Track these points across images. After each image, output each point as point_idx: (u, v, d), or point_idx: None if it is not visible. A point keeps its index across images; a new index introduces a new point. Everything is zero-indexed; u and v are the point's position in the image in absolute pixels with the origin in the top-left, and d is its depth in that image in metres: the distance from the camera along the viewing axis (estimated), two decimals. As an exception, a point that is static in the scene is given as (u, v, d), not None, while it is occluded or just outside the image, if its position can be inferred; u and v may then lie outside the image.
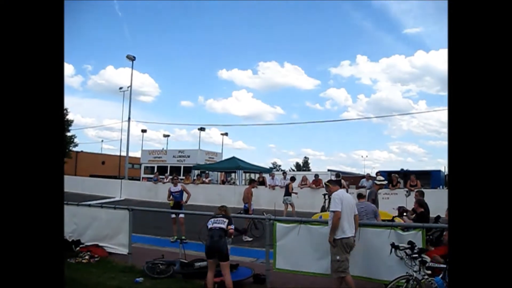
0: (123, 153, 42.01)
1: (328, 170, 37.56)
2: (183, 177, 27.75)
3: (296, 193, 18.43)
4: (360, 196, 9.55)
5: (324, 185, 7.26)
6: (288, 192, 18.14)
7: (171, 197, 13.44)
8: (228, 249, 7.15)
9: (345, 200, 6.94)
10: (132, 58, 37.61)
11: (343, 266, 6.71)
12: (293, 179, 19.56)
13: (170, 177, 27.59)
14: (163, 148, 45.95)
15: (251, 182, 16.45)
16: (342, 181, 17.51)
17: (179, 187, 13.61)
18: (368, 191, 12.29)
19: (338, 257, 6.72)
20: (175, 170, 34.05)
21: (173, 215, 12.83)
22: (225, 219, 7.30)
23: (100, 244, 10.11)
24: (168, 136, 61.59)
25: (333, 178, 19.82)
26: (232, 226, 7.33)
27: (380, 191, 12.34)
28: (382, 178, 12.23)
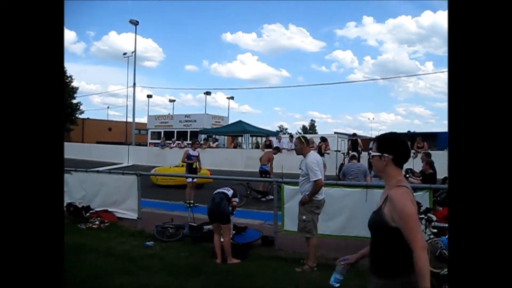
0: (129, 119, 42.12)
1: (335, 133, 37.55)
2: (202, 142, 27.65)
3: (328, 153, 19.18)
4: (353, 157, 10.75)
5: (296, 142, 7.08)
6: (321, 154, 17.88)
7: (190, 160, 13.33)
8: (229, 211, 7.22)
9: (320, 163, 6.93)
10: (135, 23, 37.17)
11: (308, 226, 6.73)
12: (324, 139, 20.34)
13: (182, 142, 27.77)
14: (169, 113, 45.99)
15: (276, 149, 16.62)
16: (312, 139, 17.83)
17: (196, 152, 13.59)
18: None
19: (304, 217, 6.73)
20: (182, 135, 34.14)
21: (190, 179, 12.89)
22: (230, 189, 7.40)
23: (110, 209, 10.24)
24: (174, 101, 61.76)
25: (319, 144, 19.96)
26: (237, 199, 7.41)
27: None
28: None
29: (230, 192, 7.35)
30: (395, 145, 2.94)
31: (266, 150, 17.26)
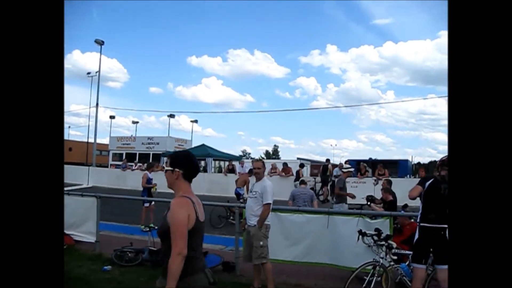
0: (91, 140, 41.45)
1: (298, 158, 37.83)
2: (163, 165, 27.30)
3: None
4: (302, 182, 11.23)
5: (260, 165, 7.13)
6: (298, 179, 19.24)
7: (149, 183, 13.31)
8: None
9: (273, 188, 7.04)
10: (100, 43, 36.90)
11: (265, 252, 6.75)
12: (302, 165, 22.11)
13: (143, 164, 27.44)
14: (132, 135, 45.44)
15: (250, 171, 16.67)
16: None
17: (151, 175, 13.48)
18: (336, 179, 12.53)
19: (261, 243, 6.75)
20: (144, 157, 33.76)
21: (147, 204, 12.68)
22: None
23: (67, 232, 9.93)
24: (137, 122, 60.95)
25: (298, 168, 20.62)
26: None
27: (348, 179, 12.51)
28: (348, 165, 12.46)
29: None
30: (186, 162, 3.33)
31: (242, 173, 17.47)
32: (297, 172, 21.52)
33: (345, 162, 20.86)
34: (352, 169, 11.86)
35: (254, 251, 6.81)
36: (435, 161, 54.52)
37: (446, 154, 5.80)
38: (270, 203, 6.83)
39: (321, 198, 20.83)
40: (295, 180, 20.04)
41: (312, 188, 20.08)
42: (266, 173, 19.43)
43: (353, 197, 10.90)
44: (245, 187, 15.55)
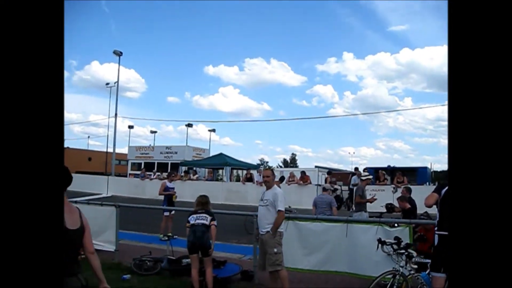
0: (110, 149, 41.79)
1: (316, 167, 37.75)
2: (182, 174, 27.59)
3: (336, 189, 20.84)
4: (323, 189, 11.59)
5: (269, 173, 7.23)
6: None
7: (168, 191, 13.29)
8: (211, 244, 7.12)
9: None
10: (119, 54, 37.34)
11: (280, 259, 6.74)
12: (329, 173, 23.27)
13: (162, 173, 27.70)
14: (150, 145, 45.77)
15: (281, 179, 16.98)
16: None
17: (173, 184, 13.52)
18: (354, 187, 12.49)
19: (275, 250, 6.73)
20: (162, 167, 33.95)
21: (167, 213, 12.66)
22: (207, 215, 7.24)
23: (87, 241, 10.02)
24: (155, 132, 61.42)
25: (326, 176, 20.84)
26: (215, 222, 7.21)
27: (367, 187, 12.41)
28: (367, 173, 12.40)
29: (208, 220, 7.21)
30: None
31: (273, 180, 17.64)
32: (325, 179, 22.07)
33: (364, 170, 20.87)
34: (370, 177, 11.80)
35: (268, 258, 6.80)
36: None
37: None
38: (283, 210, 6.86)
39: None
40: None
41: (337, 196, 20.26)
42: (284, 182, 19.57)
43: (373, 201, 10.84)
44: None
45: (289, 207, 15.40)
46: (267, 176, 7.24)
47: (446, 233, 5.37)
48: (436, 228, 5.57)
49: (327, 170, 33.13)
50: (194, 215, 7.23)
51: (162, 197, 13.81)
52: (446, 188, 5.52)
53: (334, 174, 25.22)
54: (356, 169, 23.85)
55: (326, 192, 11.30)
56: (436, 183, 22.33)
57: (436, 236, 5.51)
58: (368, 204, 10.70)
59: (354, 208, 11.24)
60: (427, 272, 6.07)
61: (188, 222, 7.24)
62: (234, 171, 35.18)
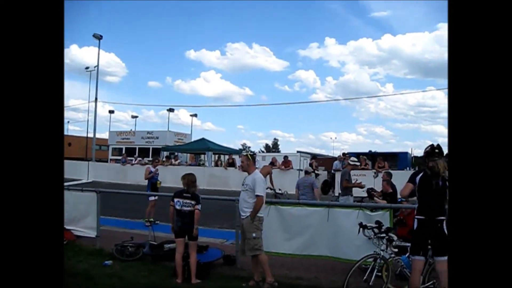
0: (90, 135, 41.46)
1: (298, 152, 37.79)
2: (164, 159, 27.50)
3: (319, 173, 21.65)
4: (306, 172, 12.11)
5: (243, 159, 7.27)
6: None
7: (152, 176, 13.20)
8: (194, 228, 7.12)
9: (264, 183, 7.18)
10: (99, 37, 36.70)
11: (258, 244, 6.79)
12: (314, 157, 24.78)
13: (143, 159, 27.57)
14: (131, 130, 45.35)
15: (272, 163, 17.33)
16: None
17: (156, 169, 13.43)
18: (341, 171, 12.62)
19: (254, 235, 6.78)
20: (144, 152, 33.79)
21: (152, 198, 12.55)
22: (192, 201, 7.21)
23: (68, 227, 9.90)
24: (136, 117, 60.97)
25: (310, 161, 21.15)
26: (199, 207, 7.18)
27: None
28: (355, 159, 12.54)
29: (193, 206, 7.21)
30: None
31: (264, 165, 17.73)
32: (310, 164, 22.76)
33: (343, 155, 21.15)
34: (358, 163, 11.94)
35: (247, 243, 6.88)
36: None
37: (430, 144, 5.83)
38: (262, 195, 6.88)
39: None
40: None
41: (326, 180, 20.61)
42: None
43: (362, 186, 10.99)
44: (267, 177, 15.87)
45: (280, 190, 16.05)
46: (242, 161, 7.33)
47: (425, 217, 5.45)
48: (415, 213, 5.64)
49: (309, 155, 33.30)
50: (180, 200, 7.19)
51: (144, 183, 13.73)
52: (420, 175, 5.60)
53: (316, 159, 25.34)
54: (344, 154, 24.04)
55: (308, 174, 11.73)
56: (417, 168, 22.62)
57: (416, 221, 5.58)
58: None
59: (340, 192, 11.35)
60: (407, 255, 6.16)
61: (173, 201, 7.22)
62: (216, 156, 35.17)
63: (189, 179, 7.40)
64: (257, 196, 6.82)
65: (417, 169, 13.85)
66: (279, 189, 16.34)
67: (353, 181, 11.13)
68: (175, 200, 7.22)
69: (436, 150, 5.64)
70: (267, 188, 15.43)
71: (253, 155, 7.66)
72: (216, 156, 33.02)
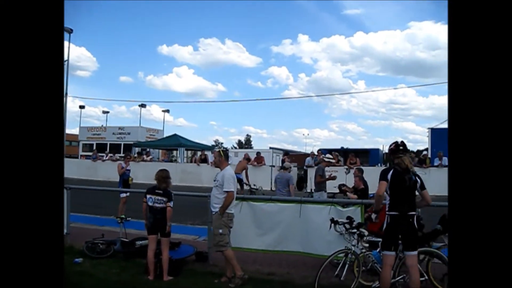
0: (60, 130, 40.64)
1: (270, 148, 37.95)
2: (135, 155, 27.29)
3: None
4: (284, 168, 12.03)
5: (215, 155, 7.37)
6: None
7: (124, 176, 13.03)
8: (167, 225, 7.09)
9: (235, 179, 7.19)
10: (69, 31, 36.05)
11: (224, 240, 6.82)
12: (286, 153, 25.20)
13: (114, 155, 27.26)
14: (102, 125, 44.75)
15: (248, 159, 19.11)
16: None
17: (128, 165, 13.30)
18: (315, 167, 12.73)
19: (220, 231, 6.82)
20: (115, 148, 33.40)
21: (124, 194, 12.39)
22: (164, 198, 7.14)
23: (36, 224, 9.76)
24: (107, 112, 59.83)
25: (283, 157, 21.58)
26: (171, 204, 7.13)
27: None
28: (330, 156, 12.69)
29: (165, 203, 7.16)
30: None
31: (240, 160, 18.88)
32: (282, 160, 22.45)
33: (318, 152, 21.40)
34: (333, 160, 12.07)
35: (214, 239, 6.93)
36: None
37: (394, 141, 5.92)
38: (232, 191, 6.90)
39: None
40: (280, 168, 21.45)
41: (301, 177, 20.89)
42: (237, 162, 19.90)
43: (335, 178, 11.24)
44: (243, 172, 16.12)
45: (254, 185, 16.92)
46: (214, 157, 7.44)
47: (397, 213, 5.53)
48: (387, 209, 5.71)
49: (281, 151, 33.44)
50: (152, 196, 7.13)
51: (116, 179, 13.57)
52: (391, 172, 5.67)
53: (289, 156, 25.48)
54: (318, 151, 24.29)
55: (285, 170, 11.75)
56: (388, 164, 22.95)
57: (388, 216, 5.66)
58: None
59: (314, 188, 11.45)
60: (378, 251, 6.24)
61: (145, 197, 7.16)
62: (189, 152, 34.98)
63: (160, 175, 7.35)
64: (226, 192, 6.84)
65: (387, 165, 14.06)
66: (254, 185, 16.56)
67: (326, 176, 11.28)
68: (147, 196, 7.17)
69: (401, 147, 5.73)
70: (243, 183, 15.77)
71: (225, 151, 7.69)
72: (190, 152, 32.90)
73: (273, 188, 21.43)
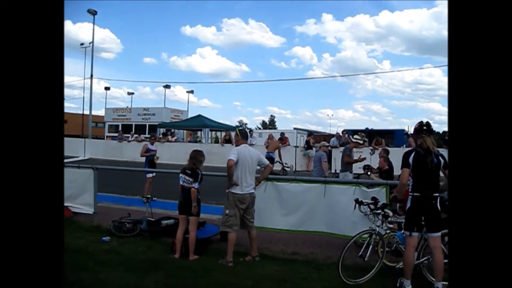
0: (86, 112, 41.24)
1: (294, 129, 37.79)
2: (160, 136, 27.59)
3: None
4: (320, 147, 12.32)
5: (233, 135, 7.40)
6: (310, 146, 22.56)
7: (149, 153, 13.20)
8: (200, 205, 7.16)
9: (244, 154, 6.96)
10: (93, 13, 36.32)
11: (230, 221, 6.80)
12: (310, 134, 25.80)
13: (139, 135, 27.57)
14: (127, 106, 45.22)
15: (280, 139, 20.01)
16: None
17: (154, 146, 13.43)
18: (343, 148, 12.73)
19: (227, 211, 6.84)
20: (140, 129, 33.73)
21: (149, 174, 12.58)
22: (190, 179, 7.17)
23: (65, 204, 9.93)
24: (132, 93, 60.55)
25: (307, 137, 21.92)
26: (196, 185, 7.11)
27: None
28: (358, 137, 12.62)
29: (191, 180, 7.18)
30: None
31: (273, 139, 19.00)
32: (307, 141, 24.00)
33: (343, 132, 21.40)
34: (361, 141, 12.03)
35: (222, 217, 7.00)
36: (431, 130, 54.57)
37: (419, 121, 5.81)
38: (230, 159, 6.79)
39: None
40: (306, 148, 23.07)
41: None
42: (262, 143, 19.94)
43: (362, 160, 11.26)
44: (276, 152, 16.48)
45: (286, 163, 17.81)
46: (233, 137, 7.34)
47: (420, 194, 5.47)
48: (410, 190, 5.65)
49: (305, 132, 33.31)
50: (182, 176, 7.20)
51: (141, 159, 13.74)
52: (412, 155, 5.57)
53: (313, 136, 25.38)
54: (344, 132, 24.23)
55: (321, 148, 12.00)
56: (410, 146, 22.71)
57: (410, 197, 5.60)
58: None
59: (340, 168, 11.40)
60: (402, 232, 6.21)
61: (180, 180, 7.26)
62: (213, 132, 35.12)
63: (190, 155, 7.43)
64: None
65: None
66: (286, 163, 16.79)
67: (355, 157, 11.23)
68: (180, 175, 7.25)
69: (424, 128, 5.63)
70: (276, 162, 16.19)
71: (242, 130, 7.72)
72: (214, 132, 33.01)
73: (298, 169, 21.62)
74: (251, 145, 7.68)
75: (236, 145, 7.23)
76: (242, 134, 7.39)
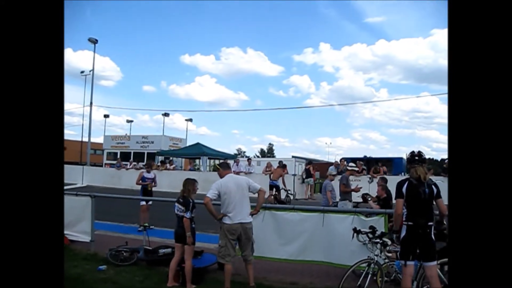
0: (85, 139, 41.28)
1: (293, 157, 37.84)
2: (159, 164, 27.64)
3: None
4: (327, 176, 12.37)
5: (217, 171, 7.40)
6: (309, 174, 22.81)
7: (144, 182, 13.08)
8: (195, 234, 7.12)
9: (227, 184, 6.90)
10: (94, 41, 36.66)
11: (221, 252, 6.74)
12: (310, 162, 25.29)
13: (138, 163, 27.57)
14: (126, 134, 45.23)
15: (284, 166, 19.73)
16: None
17: (152, 174, 13.38)
18: (340, 176, 12.76)
19: (220, 242, 6.81)
20: (139, 156, 33.71)
21: (144, 202, 12.44)
22: (182, 207, 7.10)
23: (62, 231, 9.90)
24: (131, 121, 60.56)
25: (306, 166, 21.86)
26: (187, 214, 7.02)
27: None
28: (353, 165, 12.66)
29: (183, 209, 7.08)
30: None
31: (276, 167, 19.64)
32: (307, 169, 23.89)
33: (341, 160, 21.40)
34: (356, 169, 12.04)
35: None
36: (429, 158, 54.76)
37: (411, 151, 5.85)
38: (206, 196, 6.76)
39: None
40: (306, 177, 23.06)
41: None
42: (261, 171, 19.95)
43: (358, 190, 11.06)
44: (280, 179, 16.54)
45: (289, 190, 18.30)
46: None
47: (414, 223, 5.46)
48: (404, 219, 5.65)
49: (304, 160, 33.32)
50: (176, 205, 7.18)
51: (139, 188, 13.71)
52: (406, 185, 5.60)
53: (313, 164, 25.40)
54: (342, 160, 24.26)
55: (328, 178, 12.18)
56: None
57: (405, 227, 5.60)
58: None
59: (339, 198, 11.39)
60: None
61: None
62: (211, 161, 35.11)
63: (182, 184, 7.43)
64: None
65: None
66: (289, 190, 17.06)
67: (352, 187, 11.22)
68: (174, 204, 7.24)
69: (416, 157, 5.66)
70: (281, 189, 16.32)
71: (222, 163, 8.11)
72: (213, 161, 32.99)
73: (297, 197, 21.64)
74: (248, 173, 7.67)
75: (221, 177, 7.13)
76: (222, 166, 7.48)
